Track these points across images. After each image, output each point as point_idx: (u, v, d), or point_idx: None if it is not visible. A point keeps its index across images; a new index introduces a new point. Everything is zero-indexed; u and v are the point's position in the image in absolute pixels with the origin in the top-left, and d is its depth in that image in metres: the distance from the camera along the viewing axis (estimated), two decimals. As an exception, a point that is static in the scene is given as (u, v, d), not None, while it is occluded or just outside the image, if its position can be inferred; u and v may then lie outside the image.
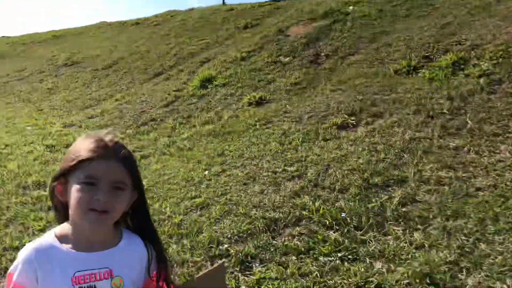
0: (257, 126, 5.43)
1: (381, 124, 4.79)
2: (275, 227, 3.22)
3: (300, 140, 4.76)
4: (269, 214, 3.38)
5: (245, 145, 4.91)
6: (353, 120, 5.04)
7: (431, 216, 3.09)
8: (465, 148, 4.05)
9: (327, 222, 3.17)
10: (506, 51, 5.66)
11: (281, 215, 3.35)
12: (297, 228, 3.17)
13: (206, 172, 4.27)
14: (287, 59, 7.90)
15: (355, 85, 6.02)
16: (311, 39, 8.56)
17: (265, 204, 3.54)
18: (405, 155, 4.06)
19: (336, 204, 3.40)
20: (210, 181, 4.12)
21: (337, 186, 3.66)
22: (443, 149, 4.12)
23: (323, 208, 3.31)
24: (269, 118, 5.65)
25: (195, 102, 6.97)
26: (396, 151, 4.12)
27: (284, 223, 3.25)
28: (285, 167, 4.17)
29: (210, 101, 6.86)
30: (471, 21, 7.07)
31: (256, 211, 3.43)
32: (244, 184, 3.94)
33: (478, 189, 3.35)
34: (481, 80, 5.11)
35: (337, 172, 3.91)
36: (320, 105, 5.67)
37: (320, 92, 6.14)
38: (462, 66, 5.67)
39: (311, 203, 3.43)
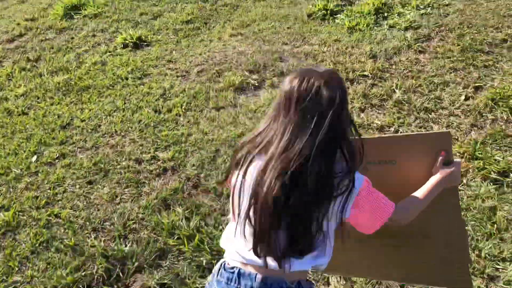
0: (129, 80, 4.01)
1: (290, 87, 3.69)
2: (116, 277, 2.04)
3: (183, 106, 3.50)
4: (116, 247, 2.16)
5: (106, 110, 3.51)
6: (255, 79, 3.87)
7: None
8: (392, 129, 3.16)
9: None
10: (434, -1, 4.80)
11: (136, 248, 2.17)
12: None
13: (34, 158, 2.85)
14: (180, -13, 6.31)
15: (260, 30, 4.78)
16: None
17: (112, 224, 2.31)
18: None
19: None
20: (36, 175, 2.73)
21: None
22: (365, 128, 3.18)
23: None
24: (146, 69, 4.24)
25: (51, 38, 5.20)
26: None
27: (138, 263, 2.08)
28: (156, 153, 2.92)
29: (73, 38, 5.15)
30: (394, -41, 6.09)
31: (95, 239, 2.20)
32: (89, 182, 2.63)
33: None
34: (408, 35, 4.20)
35: (229, 160, 2.77)
36: (215, 55, 4.38)
37: (216, 36, 4.81)
38: (386, 14, 4.71)
39: (185, 224, 2.28)
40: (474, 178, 2.60)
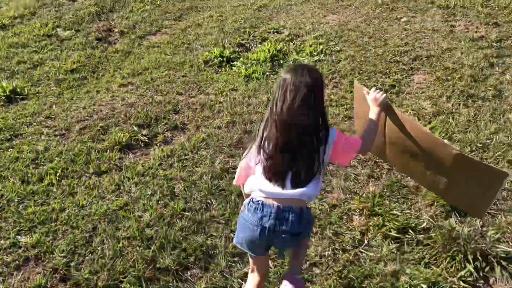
0: (-5, 144, 3.43)
1: (184, 143, 3.40)
2: None
3: (58, 173, 3.02)
4: None
5: (-40, 184, 2.91)
6: (145, 135, 3.52)
7: None
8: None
9: None
10: (326, 44, 4.90)
11: None
12: None
13: None
14: (67, 33, 5.83)
15: (153, 79, 4.47)
16: (104, 8, 6.61)
17: None
18: (213, 202, 2.76)
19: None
20: None
21: None
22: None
23: None
24: (19, 128, 3.69)
25: None
26: (201, 197, 2.79)
27: None
28: (17, 237, 2.41)
29: None
30: (288, 5, 6.24)
31: None
32: None
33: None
34: (304, 82, 4.17)
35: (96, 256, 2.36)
36: (101, 108, 3.96)
37: (104, 87, 4.40)
38: (282, 62, 4.69)
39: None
40: (375, 237, 2.48)
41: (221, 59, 4.78)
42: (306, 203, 1.71)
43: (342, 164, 1.87)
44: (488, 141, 3.20)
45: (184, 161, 3.19)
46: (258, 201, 1.67)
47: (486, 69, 4.18)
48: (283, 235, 1.64)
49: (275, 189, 1.65)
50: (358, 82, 2.29)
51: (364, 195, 2.80)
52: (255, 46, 5.14)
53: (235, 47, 5.08)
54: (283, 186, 1.65)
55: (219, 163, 3.13)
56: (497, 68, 4.21)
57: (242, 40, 5.26)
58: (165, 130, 3.62)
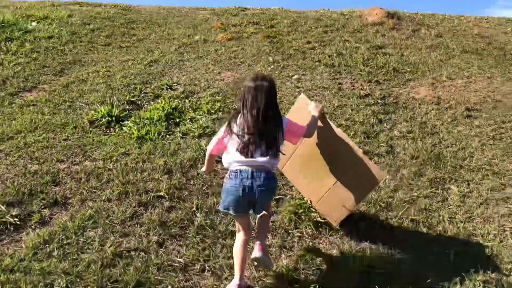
0: None
1: (66, 223, 2.86)
2: None
3: None
4: None
5: None
6: (15, 216, 2.90)
7: None
8: (197, 266, 2.64)
9: None
10: (223, 102, 4.77)
11: None
12: None
13: None
14: None
15: (26, 144, 3.84)
16: (-35, 60, 5.73)
17: None
18: (105, 298, 2.27)
19: None
20: None
21: None
22: (165, 271, 2.58)
23: None
24: None
25: None
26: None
27: None
28: None
29: None
30: (181, 61, 6.07)
31: None
32: None
33: None
34: (203, 143, 3.92)
35: None
36: (-43, 184, 3.22)
37: (-38, 156, 3.64)
38: (178, 120, 4.41)
39: None
40: (295, 321, 2.23)
41: (110, 119, 4.34)
42: (270, 169, 2.37)
43: (292, 143, 2.62)
44: (390, 199, 3.24)
45: (66, 247, 2.65)
46: (236, 170, 2.33)
47: (376, 125, 4.38)
48: (258, 188, 2.29)
49: (247, 159, 2.31)
50: (304, 95, 3.03)
51: (278, 270, 2.57)
52: (147, 103, 4.80)
53: (125, 105, 4.69)
54: (253, 157, 2.31)
55: (110, 246, 2.67)
56: (385, 124, 4.45)
57: (133, 97, 4.89)
58: (42, 207, 3.05)
